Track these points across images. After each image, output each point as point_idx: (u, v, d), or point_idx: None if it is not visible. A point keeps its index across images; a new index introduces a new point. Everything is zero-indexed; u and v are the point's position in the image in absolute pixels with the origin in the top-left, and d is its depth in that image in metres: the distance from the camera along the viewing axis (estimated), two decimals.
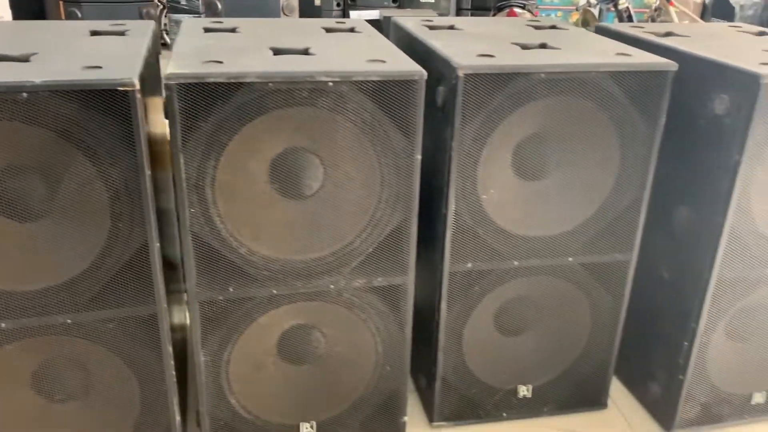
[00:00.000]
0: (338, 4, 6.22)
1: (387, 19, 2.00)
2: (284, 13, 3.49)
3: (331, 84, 1.20)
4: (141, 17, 4.01)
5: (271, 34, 1.54)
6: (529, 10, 4.36)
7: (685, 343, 1.55)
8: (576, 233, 1.50)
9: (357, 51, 1.38)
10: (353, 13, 5.50)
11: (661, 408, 1.67)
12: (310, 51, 1.36)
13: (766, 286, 1.54)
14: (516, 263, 1.50)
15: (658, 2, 4.64)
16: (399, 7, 6.09)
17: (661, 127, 1.42)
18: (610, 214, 1.50)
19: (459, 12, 6.02)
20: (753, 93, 1.30)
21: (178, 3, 4.30)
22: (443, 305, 1.51)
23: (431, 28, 1.70)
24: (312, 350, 1.48)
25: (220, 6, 3.48)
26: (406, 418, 1.57)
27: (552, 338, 1.64)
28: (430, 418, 1.65)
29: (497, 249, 1.48)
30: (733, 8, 2.75)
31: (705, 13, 3.09)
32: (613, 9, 4.31)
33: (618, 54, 1.42)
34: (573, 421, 1.69)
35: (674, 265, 1.58)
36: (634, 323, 1.73)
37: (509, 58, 1.36)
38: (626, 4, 4.20)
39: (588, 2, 4.30)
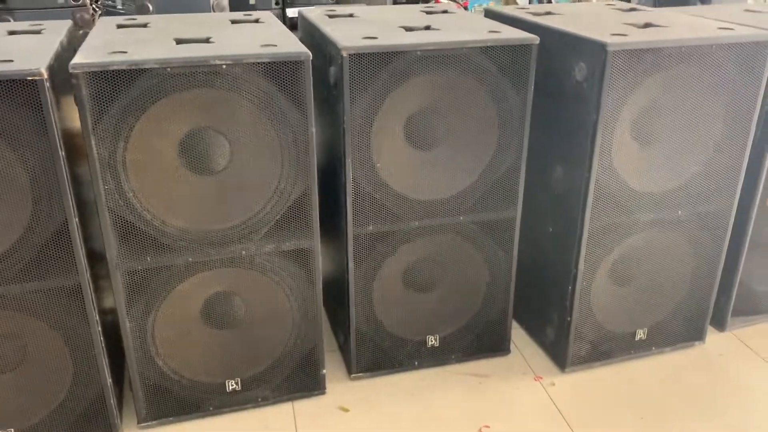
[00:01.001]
0: (277, 3, 6.33)
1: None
2: (215, 9, 3.59)
3: (224, 66, 1.34)
4: (75, 22, 4.07)
5: (179, 27, 1.67)
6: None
7: (570, 288, 1.75)
8: (465, 195, 1.68)
9: (253, 37, 1.53)
10: (290, 11, 5.63)
11: (556, 349, 1.87)
12: (211, 40, 1.50)
13: (638, 233, 1.74)
14: (415, 224, 1.67)
15: None
16: (337, 3, 6.24)
17: (530, 95, 1.60)
18: (494, 176, 1.68)
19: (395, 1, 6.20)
20: (602, 60, 1.49)
21: (114, 7, 4.36)
22: (351, 265, 1.67)
23: (331, 16, 1.85)
24: (233, 314, 1.62)
25: (151, 8, 3.57)
26: (324, 371, 1.73)
27: (454, 291, 1.81)
28: (350, 371, 1.81)
29: (395, 212, 1.64)
30: None
31: None
32: None
33: (490, 31, 1.60)
34: (479, 366, 1.87)
35: (556, 220, 1.77)
36: (531, 275, 1.92)
37: (390, 39, 1.52)
38: None
39: None
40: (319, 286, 1.63)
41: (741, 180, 1.75)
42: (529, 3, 4.65)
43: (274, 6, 6.13)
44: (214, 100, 1.38)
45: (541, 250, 1.86)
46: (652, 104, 1.60)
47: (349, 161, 1.55)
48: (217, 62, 1.34)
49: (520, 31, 1.61)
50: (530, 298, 1.96)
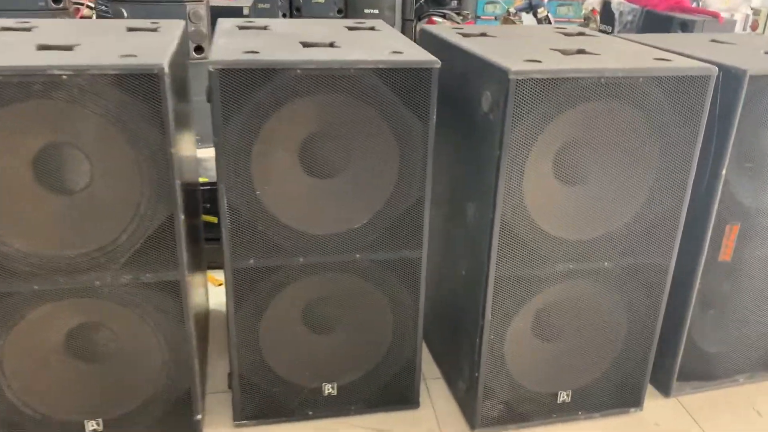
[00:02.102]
0: (284, 15, 6.27)
1: None
2: (191, 21, 3.50)
3: (65, 77, 1.21)
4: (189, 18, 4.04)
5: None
6: (451, 19, 4.39)
7: (477, 340, 1.56)
8: (363, 231, 1.51)
9: (108, 46, 1.39)
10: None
11: (467, 406, 1.68)
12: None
13: (558, 283, 1.54)
14: (301, 260, 1.50)
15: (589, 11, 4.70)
16: (344, 17, 6.14)
17: (432, 124, 1.43)
18: (396, 211, 1.50)
19: (404, 23, 6.08)
20: (505, 89, 1.32)
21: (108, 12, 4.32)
22: (230, 302, 1.51)
23: (242, 28, 1.71)
24: (98, 349, 1.48)
25: (125, 14, 3.50)
26: (199, 417, 1.57)
27: (355, 336, 1.64)
28: (234, 417, 1.64)
29: (281, 245, 1.48)
30: (614, 14, 2.79)
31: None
32: (534, 18, 4.35)
33: (393, 52, 1.43)
34: (381, 419, 1.69)
35: (469, 262, 1.59)
36: (445, 320, 1.74)
37: (272, 54, 1.37)
38: (545, 13, 4.24)
39: (508, 12, 4.34)
40: (190, 323, 1.47)
41: (679, 232, 1.55)
42: (539, 23, 4.48)
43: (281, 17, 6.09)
44: (67, 113, 1.25)
45: (455, 293, 1.68)
46: (574, 141, 1.42)
47: (222, 186, 1.39)
48: (57, 72, 1.20)
49: (424, 52, 1.44)
50: (448, 345, 1.78)
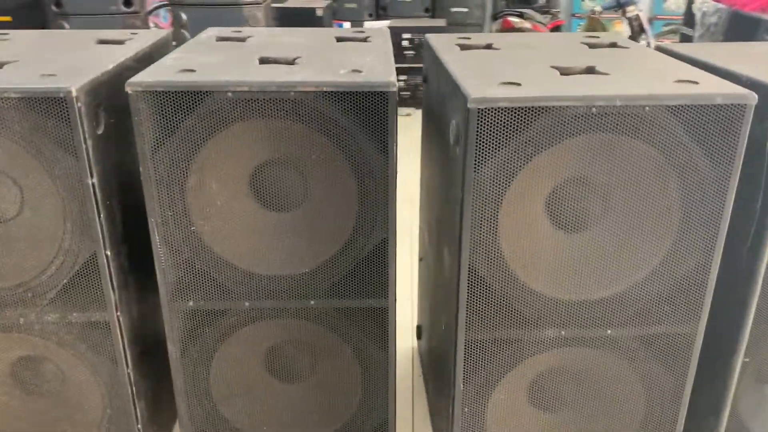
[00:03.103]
0: (370, 15, 6.14)
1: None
2: (249, 24, 3.42)
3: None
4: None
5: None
6: (531, 18, 4.06)
7: (450, 410, 1.32)
8: (319, 274, 1.31)
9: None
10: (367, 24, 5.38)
11: None
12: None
13: (551, 350, 1.28)
14: (247, 304, 1.32)
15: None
16: (432, 17, 5.91)
17: (393, 155, 1.20)
18: (355, 253, 1.29)
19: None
20: (465, 119, 1.07)
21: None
22: (171, 348, 1.36)
23: (220, 39, 1.56)
24: (40, 383, 1.38)
25: (184, 17, 3.48)
26: None
27: (321, 389, 1.44)
28: None
29: (225, 286, 1.31)
30: (694, 16, 2.39)
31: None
32: (623, 17, 3.94)
33: (352, 71, 1.22)
34: None
35: (446, 317, 1.35)
36: (435, 376, 1.51)
37: (211, 75, 1.20)
38: (636, 12, 3.82)
39: (592, 11, 3.95)
40: (123, 366, 1.33)
41: (707, 297, 1.23)
42: (630, 24, 4.07)
43: (367, 17, 5.95)
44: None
45: (438, 350, 1.45)
46: (571, 181, 1.15)
47: (152, 221, 1.24)
48: None
49: (386, 72, 1.22)
50: (435, 406, 1.54)
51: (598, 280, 1.22)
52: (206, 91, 1.15)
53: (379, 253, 1.29)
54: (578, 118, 1.08)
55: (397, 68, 1.27)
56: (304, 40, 1.53)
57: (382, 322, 1.35)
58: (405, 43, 4.67)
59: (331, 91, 1.16)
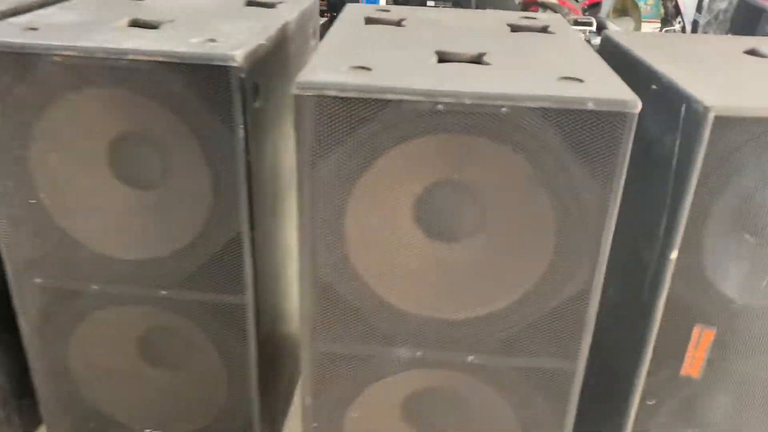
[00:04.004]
0: None
1: None
2: None
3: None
4: None
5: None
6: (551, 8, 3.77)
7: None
8: (172, 262, 1.20)
9: None
10: None
11: None
12: None
13: (414, 370, 1.14)
14: (95, 287, 1.23)
15: None
16: None
17: (239, 136, 1.07)
18: (210, 245, 1.18)
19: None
20: (299, 106, 0.93)
21: None
22: (22, 323, 1.28)
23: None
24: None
25: None
26: None
27: (187, 382, 1.35)
28: None
29: (74, 264, 1.22)
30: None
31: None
32: None
33: (207, 40, 1.09)
34: None
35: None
36: None
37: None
38: None
39: None
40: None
41: (587, 329, 1.06)
42: (664, 6, 3.76)
43: None
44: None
45: None
46: (439, 186, 1.01)
47: None
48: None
49: (245, 43, 1.08)
50: None
51: (464, 298, 1.07)
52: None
53: (233, 247, 1.17)
54: (424, 115, 0.92)
55: None
56: (474, 23, 1.33)
57: (240, 319, 1.24)
58: None
59: (172, 62, 1.03)
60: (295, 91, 0.90)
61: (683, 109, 0.98)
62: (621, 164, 0.92)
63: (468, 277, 1.06)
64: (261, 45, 1.12)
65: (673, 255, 1.03)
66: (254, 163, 1.13)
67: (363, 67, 0.97)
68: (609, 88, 0.93)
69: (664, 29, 3.53)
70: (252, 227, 1.15)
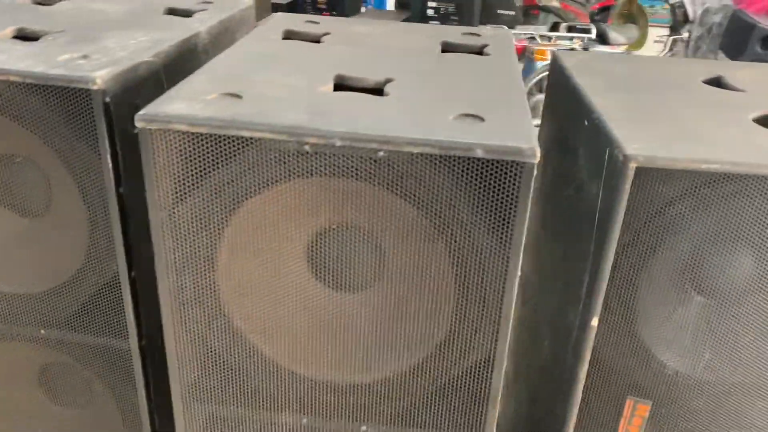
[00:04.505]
0: None
1: None
2: None
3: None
4: None
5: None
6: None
7: None
8: (50, 300, 1.09)
9: None
10: None
11: None
12: None
13: None
14: None
15: None
16: None
17: (107, 165, 0.95)
18: (87, 285, 1.06)
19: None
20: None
21: None
22: None
23: None
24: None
25: None
26: None
27: (85, 422, 1.24)
28: None
29: None
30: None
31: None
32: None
33: (79, 57, 0.97)
34: None
35: None
36: None
37: None
38: None
39: None
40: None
41: (492, 405, 0.92)
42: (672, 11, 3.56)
43: None
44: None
45: None
46: (329, 235, 0.87)
47: None
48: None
49: (108, 64, 0.95)
50: None
51: (358, 359, 0.94)
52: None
53: (114, 288, 1.05)
54: (291, 156, 0.79)
55: None
56: (405, 41, 1.18)
57: (126, 364, 1.12)
58: None
59: (28, 84, 0.91)
60: (138, 123, 0.78)
61: (606, 154, 0.83)
62: (519, 221, 0.78)
63: (364, 335, 0.93)
64: (143, 63, 0.99)
65: (594, 322, 0.89)
66: (132, 195, 1.00)
67: (235, 95, 0.84)
68: (509, 131, 0.79)
69: (672, 37, 3.34)
70: (130, 267, 1.02)
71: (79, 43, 1.04)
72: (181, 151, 0.79)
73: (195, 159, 0.80)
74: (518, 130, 0.78)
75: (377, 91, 0.92)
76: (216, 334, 0.92)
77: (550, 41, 3.15)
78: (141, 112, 0.78)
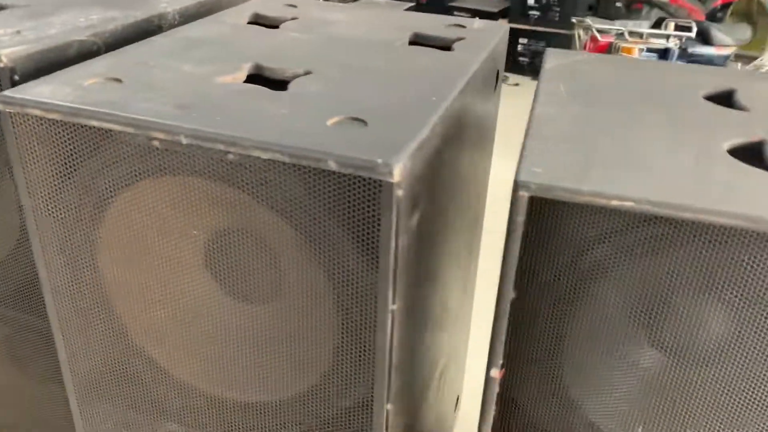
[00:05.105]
0: None
1: None
2: None
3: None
4: None
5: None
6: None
7: None
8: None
9: None
10: None
11: None
12: None
13: None
14: None
15: None
16: None
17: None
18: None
19: None
20: None
21: None
22: None
23: None
24: None
25: None
26: None
27: None
28: None
29: None
30: None
31: None
32: None
33: None
34: None
35: None
36: None
37: None
38: None
39: None
40: None
41: None
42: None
43: None
44: None
45: None
46: (224, 242, 0.80)
47: None
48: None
49: None
50: None
51: (250, 374, 0.86)
52: None
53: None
54: (145, 152, 0.71)
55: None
56: (372, 32, 1.07)
57: None
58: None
59: None
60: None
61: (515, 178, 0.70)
62: (387, 247, 0.66)
63: (262, 351, 0.84)
64: (75, 41, 0.96)
65: (494, 373, 0.75)
66: None
67: (116, 80, 0.78)
68: (383, 142, 0.67)
69: None
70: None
71: (28, 18, 1.02)
72: (45, 137, 0.74)
73: (63, 147, 0.75)
74: (393, 142, 0.67)
75: (282, 85, 0.83)
76: (101, 332, 0.88)
77: (641, 38, 2.86)
78: (2, 93, 0.73)
